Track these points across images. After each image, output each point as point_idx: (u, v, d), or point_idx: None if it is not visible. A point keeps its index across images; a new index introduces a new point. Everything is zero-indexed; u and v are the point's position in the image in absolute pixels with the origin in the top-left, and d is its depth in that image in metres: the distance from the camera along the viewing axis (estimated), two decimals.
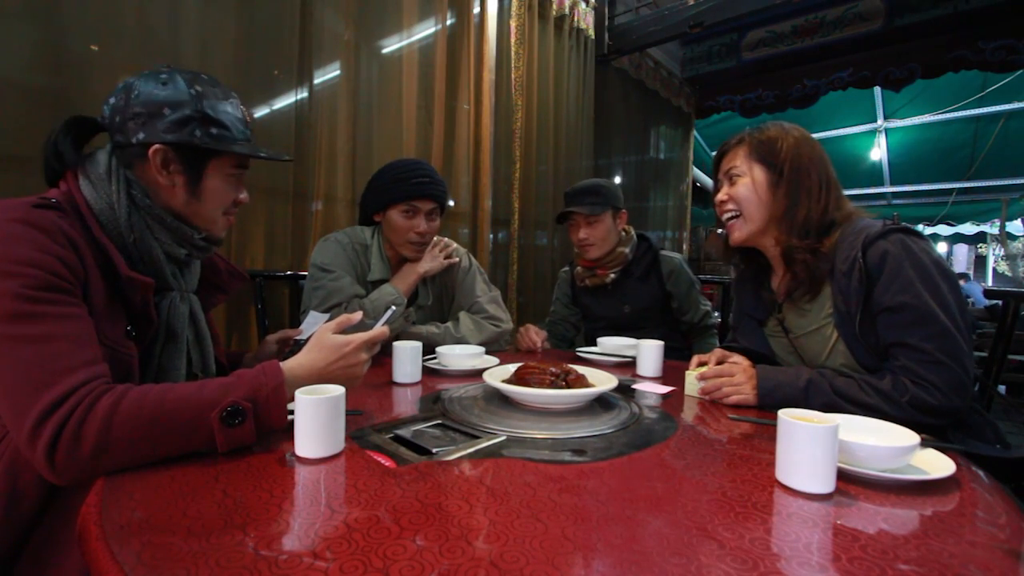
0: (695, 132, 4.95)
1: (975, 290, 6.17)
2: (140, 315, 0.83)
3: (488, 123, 2.47)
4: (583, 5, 3.17)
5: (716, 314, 2.08)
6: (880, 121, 5.35)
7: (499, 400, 1.01)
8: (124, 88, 0.84)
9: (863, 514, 0.60)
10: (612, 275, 1.87)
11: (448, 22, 2.32)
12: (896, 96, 4.58)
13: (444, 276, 1.64)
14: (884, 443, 0.71)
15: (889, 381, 0.93)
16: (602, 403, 1.01)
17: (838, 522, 0.58)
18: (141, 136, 0.83)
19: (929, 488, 0.67)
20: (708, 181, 5.25)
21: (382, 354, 1.08)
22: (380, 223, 1.55)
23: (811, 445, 0.64)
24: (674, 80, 4.30)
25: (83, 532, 0.53)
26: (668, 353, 1.40)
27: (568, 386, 0.99)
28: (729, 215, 1.15)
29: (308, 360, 0.81)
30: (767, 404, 1.02)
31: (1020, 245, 14.18)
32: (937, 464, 0.71)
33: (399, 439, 0.80)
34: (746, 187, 1.11)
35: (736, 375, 1.06)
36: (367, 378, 1.00)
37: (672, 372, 1.35)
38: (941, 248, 10.60)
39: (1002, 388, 3.60)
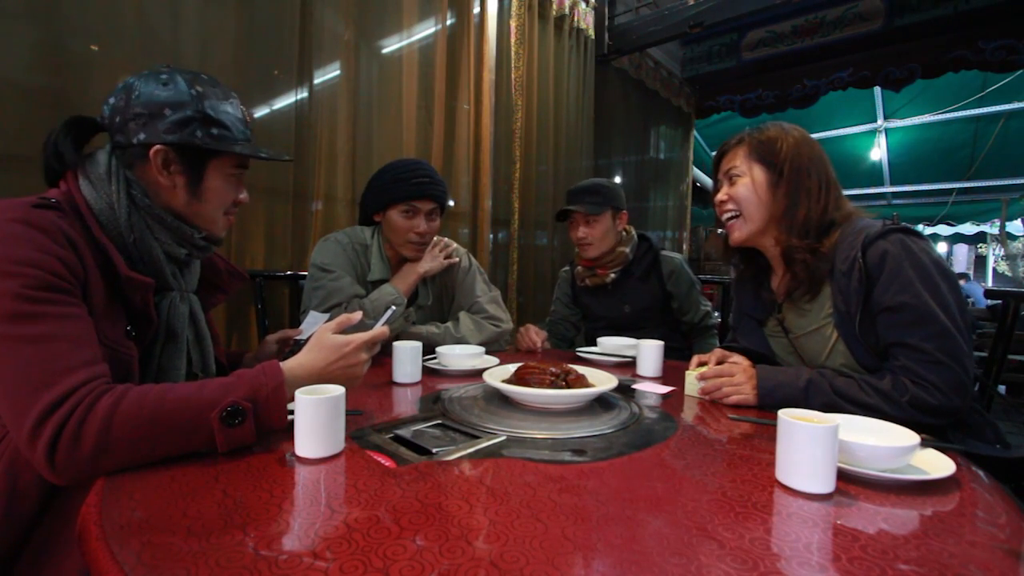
0: (695, 132, 4.95)
1: (975, 290, 6.17)
2: (140, 315, 0.83)
3: (488, 123, 2.47)
4: (583, 5, 3.17)
5: (716, 314, 2.08)
6: (880, 121, 5.35)
7: (499, 400, 1.01)
8: (124, 88, 0.84)
9: (863, 514, 0.60)
10: (612, 275, 1.87)
11: (448, 22, 2.32)
12: (896, 96, 4.57)
13: (444, 276, 1.64)
14: (884, 443, 0.71)
15: (889, 381, 0.93)
16: (602, 403, 1.01)
17: (838, 522, 0.58)
18: (142, 137, 0.83)
19: (929, 488, 0.67)
20: (708, 181, 5.24)
21: (382, 354, 1.08)
22: (380, 223, 1.55)
23: (811, 445, 0.64)
24: (674, 80, 4.30)
25: (83, 532, 0.53)
26: (668, 353, 1.40)
27: (568, 386, 0.99)
28: (729, 215, 1.15)
29: (308, 360, 0.81)
30: (767, 404, 1.02)
31: (1020, 245, 14.18)
32: (937, 464, 0.71)
33: (399, 439, 0.80)
34: (746, 187, 1.11)
35: (736, 375, 1.06)
36: (367, 378, 1.00)
37: (672, 372, 1.35)
38: (941, 248, 10.60)
39: (1002, 388, 3.60)
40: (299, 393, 0.71)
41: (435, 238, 1.59)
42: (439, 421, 0.89)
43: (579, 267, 1.96)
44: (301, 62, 1.79)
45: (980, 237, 9.32)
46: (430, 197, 1.48)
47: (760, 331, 1.21)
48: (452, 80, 2.35)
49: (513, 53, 2.65)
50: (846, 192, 1.12)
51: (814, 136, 1.13)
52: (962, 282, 7.43)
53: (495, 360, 1.32)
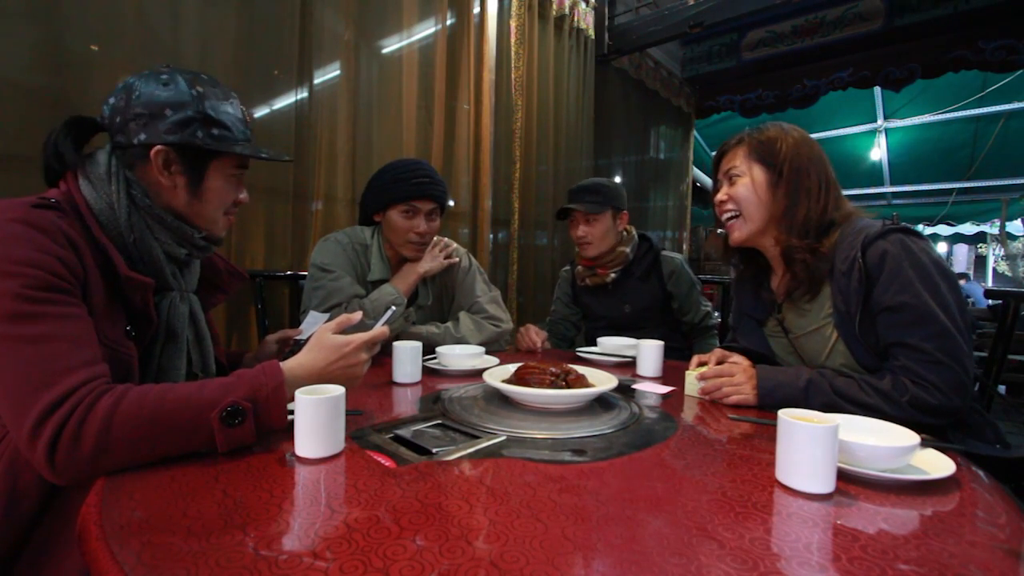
0: (695, 132, 4.95)
1: (975, 290, 6.17)
2: (140, 315, 0.83)
3: (488, 123, 2.47)
4: (583, 5, 3.17)
5: (716, 314, 2.08)
6: (880, 121, 5.35)
7: (499, 400, 1.01)
8: (124, 88, 0.84)
9: (863, 514, 0.60)
10: (613, 275, 1.87)
11: (448, 22, 2.32)
12: (896, 96, 4.58)
13: (444, 276, 1.64)
14: (884, 443, 0.71)
15: (889, 381, 0.93)
16: (602, 403, 1.01)
17: (838, 522, 0.58)
18: (143, 137, 0.83)
19: (929, 488, 0.67)
20: (708, 181, 5.23)
21: (382, 354, 1.08)
22: (380, 223, 1.55)
23: (811, 445, 0.64)
24: (674, 80, 4.30)
25: (83, 532, 0.53)
26: (668, 353, 1.40)
27: (568, 386, 0.99)
28: (729, 215, 1.15)
29: (308, 360, 0.81)
30: (767, 404, 1.02)
31: (1020, 245, 14.18)
32: (937, 464, 0.71)
33: (399, 439, 0.80)
34: (745, 187, 1.11)
35: (736, 375, 1.06)
36: (367, 378, 1.00)
37: (672, 372, 1.35)
38: (941, 248, 10.60)
39: (1002, 388, 3.60)
40: (299, 393, 0.71)
41: (435, 238, 1.59)
42: (439, 421, 0.89)
43: (579, 267, 1.96)
44: (301, 62, 1.79)
45: (980, 237, 9.32)
46: (430, 197, 1.48)
47: (760, 331, 1.21)
48: (452, 80, 2.35)
49: (513, 53, 2.65)
50: (846, 192, 1.12)
51: (814, 136, 1.13)
52: (962, 282, 7.43)
53: (495, 360, 1.32)
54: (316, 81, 1.84)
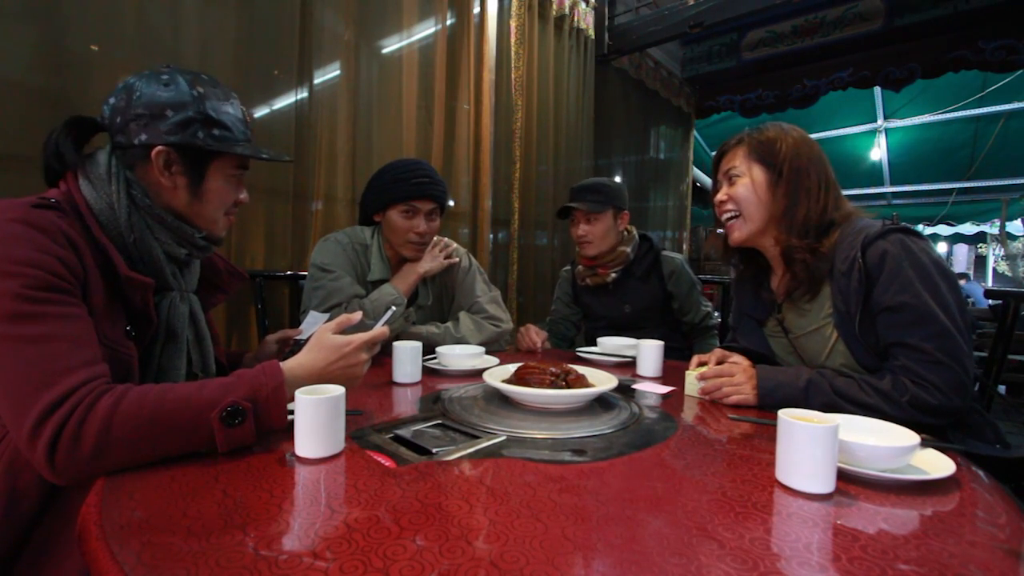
0: (695, 132, 4.95)
1: (975, 290, 6.17)
2: (140, 315, 0.83)
3: (488, 123, 2.47)
4: (583, 5, 3.17)
5: (716, 314, 2.09)
6: (880, 121, 5.35)
7: (499, 400, 1.01)
8: (125, 88, 0.84)
9: (863, 514, 0.60)
10: (613, 274, 1.87)
11: (448, 22, 2.32)
12: (896, 96, 4.57)
13: (444, 276, 1.64)
14: (884, 443, 0.71)
15: (889, 381, 0.93)
16: (602, 403, 1.01)
17: (838, 522, 0.58)
18: (143, 138, 0.83)
19: (929, 488, 0.67)
20: (708, 181, 5.23)
21: (382, 354, 1.08)
22: (380, 223, 1.55)
23: (811, 445, 0.64)
24: (674, 80, 4.30)
25: (83, 532, 0.53)
26: (668, 353, 1.40)
27: (568, 386, 0.99)
28: (728, 215, 1.15)
29: (308, 360, 0.81)
30: (767, 404, 1.02)
31: (1020, 245, 14.17)
32: (937, 464, 0.71)
33: (399, 439, 0.80)
34: (745, 187, 1.11)
35: (736, 375, 1.06)
36: (367, 378, 1.00)
37: (672, 372, 1.36)
38: (941, 248, 10.60)
39: (1002, 388, 3.60)
40: (299, 393, 0.71)
41: (435, 238, 1.59)
42: (439, 421, 0.89)
43: (580, 266, 1.96)
44: (301, 62, 1.79)
45: (980, 237, 9.32)
46: (430, 197, 1.48)
47: (760, 331, 1.21)
48: (452, 80, 2.35)
49: (513, 53, 2.65)
50: (846, 192, 1.12)
51: (814, 136, 1.13)
52: (962, 282, 7.43)
53: (495, 360, 1.32)
54: (316, 81, 1.84)
